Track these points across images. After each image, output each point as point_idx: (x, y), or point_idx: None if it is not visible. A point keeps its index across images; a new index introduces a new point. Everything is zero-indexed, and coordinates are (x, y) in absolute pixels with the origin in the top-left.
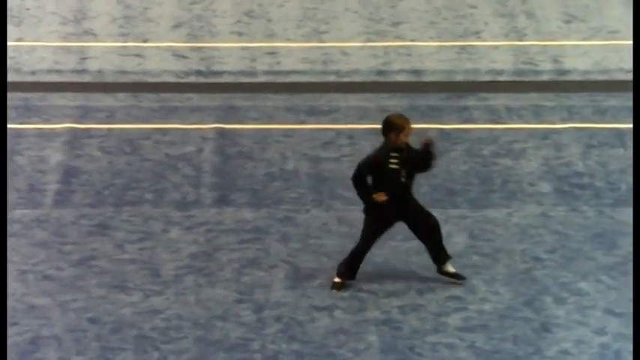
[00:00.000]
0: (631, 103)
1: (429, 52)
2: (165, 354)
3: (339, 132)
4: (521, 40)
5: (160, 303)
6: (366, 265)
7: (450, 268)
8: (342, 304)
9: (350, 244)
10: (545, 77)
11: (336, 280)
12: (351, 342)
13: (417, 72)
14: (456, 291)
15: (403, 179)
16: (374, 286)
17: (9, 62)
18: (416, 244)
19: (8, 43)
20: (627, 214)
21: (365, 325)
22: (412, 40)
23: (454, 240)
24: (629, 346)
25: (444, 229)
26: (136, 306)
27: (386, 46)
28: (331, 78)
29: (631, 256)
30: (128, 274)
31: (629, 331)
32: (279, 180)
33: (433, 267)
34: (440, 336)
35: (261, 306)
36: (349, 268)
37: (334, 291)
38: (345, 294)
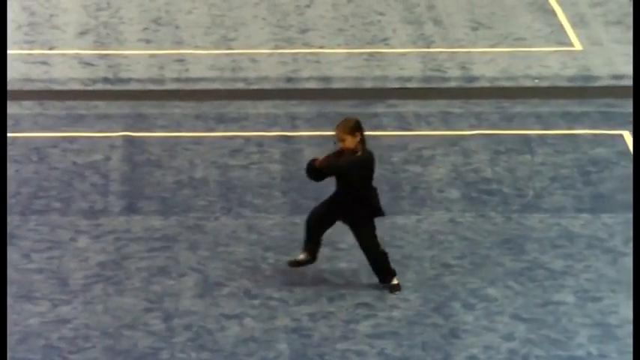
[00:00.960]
0: (537, 110)
1: (338, 59)
2: None
3: (247, 139)
4: (429, 47)
5: (67, 312)
6: (275, 274)
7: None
8: (252, 312)
9: (259, 251)
10: (453, 84)
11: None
12: (261, 350)
13: (326, 79)
14: (366, 298)
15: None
16: (284, 293)
17: None
18: (327, 251)
19: None
20: (534, 219)
21: (275, 333)
22: (321, 47)
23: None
24: (537, 351)
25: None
26: (44, 316)
27: (294, 53)
28: (240, 85)
29: (538, 261)
30: (35, 284)
31: (537, 336)
32: (188, 188)
33: (341, 274)
34: (350, 343)
35: (170, 315)
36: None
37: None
38: (255, 302)
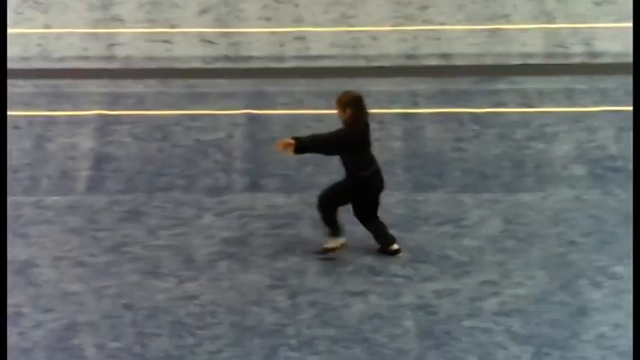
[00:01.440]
0: None
1: (458, 35)
2: (201, 340)
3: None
4: (550, 23)
5: (194, 289)
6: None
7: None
8: (376, 289)
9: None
10: (576, 60)
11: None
12: (386, 327)
13: (446, 56)
14: (491, 275)
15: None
16: (408, 270)
17: (37, 49)
18: (450, 228)
19: (35, 30)
20: None
21: (400, 310)
22: (441, 24)
23: (488, 224)
24: None
25: (478, 213)
26: (171, 292)
27: (415, 30)
28: (360, 62)
29: None
30: (162, 260)
31: None
32: (311, 165)
33: (465, 251)
34: (476, 320)
35: (295, 291)
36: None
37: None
38: (380, 279)
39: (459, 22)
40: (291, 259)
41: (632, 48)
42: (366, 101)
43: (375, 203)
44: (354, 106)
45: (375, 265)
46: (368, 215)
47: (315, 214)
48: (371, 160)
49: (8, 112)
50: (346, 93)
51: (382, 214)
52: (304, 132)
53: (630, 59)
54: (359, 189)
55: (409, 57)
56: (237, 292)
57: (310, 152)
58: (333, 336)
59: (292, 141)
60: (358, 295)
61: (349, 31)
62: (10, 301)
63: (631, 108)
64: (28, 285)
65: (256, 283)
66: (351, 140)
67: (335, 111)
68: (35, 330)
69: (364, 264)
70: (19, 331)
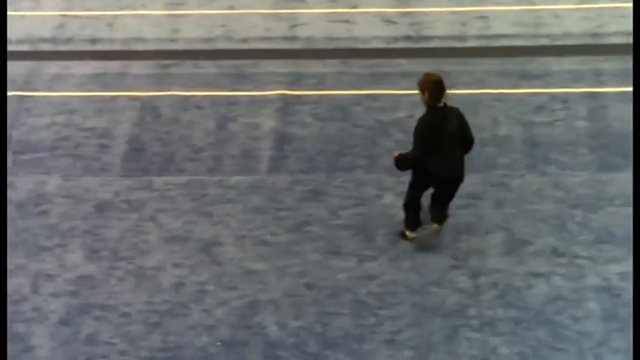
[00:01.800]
0: None
1: None
2: (382, 319)
3: (552, 96)
4: None
5: (374, 268)
6: (582, 231)
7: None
8: (559, 270)
9: (566, 209)
10: None
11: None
12: (570, 309)
13: (632, 34)
14: None
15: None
16: (592, 252)
17: (220, 30)
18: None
19: (219, 12)
20: None
21: (584, 292)
22: (626, 2)
23: None
24: None
25: None
26: (351, 271)
27: (599, 8)
28: (543, 41)
29: None
30: (343, 240)
31: None
32: (492, 145)
33: None
34: None
35: (476, 272)
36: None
37: None
38: (562, 260)
39: None
40: (472, 240)
41: None
42: (548, 80)
43: (446, 194)
44: (428, 88)
45: (557, 246)
46: (435, 200)
47: (497, 194)
48: (443, 154)
49: (193, 93)
50: (426, 75)
51: (567, 194)
52: (485, 112)
53: None
54: (428, 178)
55: (593, 35)
56: (418, 273)
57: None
58: (515, 317)
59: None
60: (541, 277)
61: (532, 10)
62: (194, 278)
63: None
64: (212, 263)
65: (437, 263)
66: (428, 141)
67: None
68: (219, 307)
69: (547, 245)
70: (203, 308)
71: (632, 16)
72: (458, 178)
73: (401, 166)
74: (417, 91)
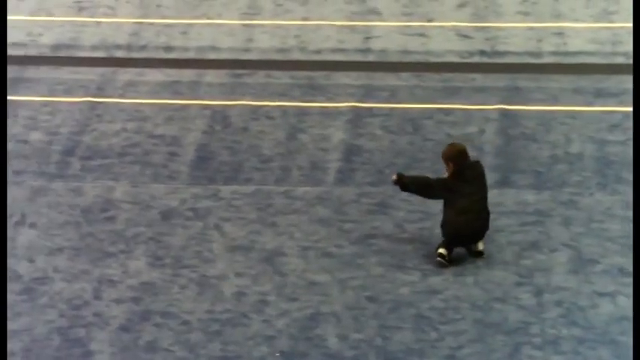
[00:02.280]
0: None
1: None
2: (443, 334)
3: (626, 115)
4: None
5: (438, 283)
6: None
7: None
8: (626, 290)
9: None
10: None
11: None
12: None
13: None
14: None
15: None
16: None
17: (294, 41)
18: None
19: (294, 22)
20: None
21: None
22: None
23: None
24: None
25: None
26: (414, 285)
27: None
28: (620, 59)
29: None
30: (407, 254)
31: None
32: (563, 162)
33: None
34: None
35: (541, 289)
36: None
37: None
38: (629, 280)
39: None
40: (538, 257)
41: None
42: (624, 99)
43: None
44: (456, 160)
45: (625, 266)
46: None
47: (566, 211)
48: (462, 210)
49: (265, 103)
50: (451, 145)
51: (626, 212)
52: (558, 129)
53: None
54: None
55: None
56: (482, 289)
57: (410, 191)
58: (579, 336)
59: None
60: (606, 296)
61: (609, 27)
62: (256, 288)
63: None
64: (275, 273)
65: (502, 279)
66: (436, 193)
67: None
68: (280, 318)
69: (614, 264)
70: (264, 318)
71: None
72: (472, 238)
73: (407, 184)
74: (489, 107)
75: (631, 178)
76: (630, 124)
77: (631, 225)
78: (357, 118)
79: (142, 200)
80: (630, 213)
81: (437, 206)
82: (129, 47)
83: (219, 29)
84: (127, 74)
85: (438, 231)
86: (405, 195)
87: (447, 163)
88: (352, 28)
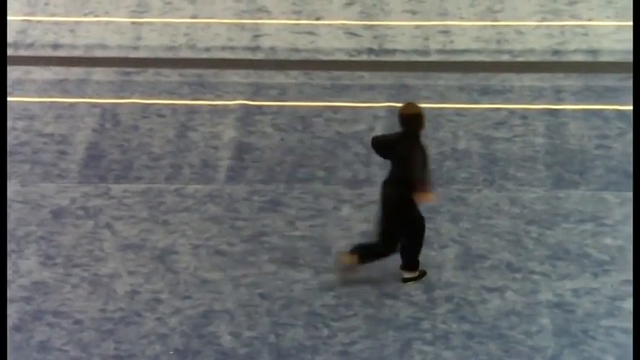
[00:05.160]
0: None
1: (607, 31)
2: (335, 331)
3: (512, 112)
4: None
5: (330, 280)
6: (537, 247)
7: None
8: (514, 285)
9: (522, 225)
10: None
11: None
12: (523, 324)
13: (594, 52)
14: (631, 275)
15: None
16: (546, 267)
17: (184, 39)
18: (591, 226)
19: (183, 20)
20: None
21: (537, 308)
22: (589, 20)
23: (631, 223)
24: None
25: (620, 212)
26: (307, 283)
27: (562, 26)
28: (505, 57)
29: None
30: (299, 251)
31: None
32: (451, 159)
33: (606, 250)
34: (615, 320)
35: (431, 285)
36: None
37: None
38: (517, 275)
39: (608, 18)
40: (428, 253)
41: None
42: (509, 96)
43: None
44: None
45: (512, 262)
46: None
47: (454, 208)
48: (391, 174)
49: (154, 101)
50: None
51: (523, 210)
52: (445, 127)
53: None
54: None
55: (555, 52)
56: (373, 285)
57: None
58: (468, 331)
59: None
60: (495, 291)
61: (495, 26)
62: (148, 287)
63: None
64: (167, 272)
65: (392, 276)
66: (374, 144)
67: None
68: (173, 316)
69: (502, 260)
70: (157, 316)
71: (593, 33)
72: (384, 207)
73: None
74: (378, 104)
75: (517, 174)
76: (515, 121)
77: (517, 220)
78: (246, 115)
79: (32, 199)
80: (516, 209)
81: (329, 203)
82: (16, 45)
83: (108, 27)
84: (14, 72)
85: (330, 227)
86: (296, 192)
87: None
88: (241, 26)
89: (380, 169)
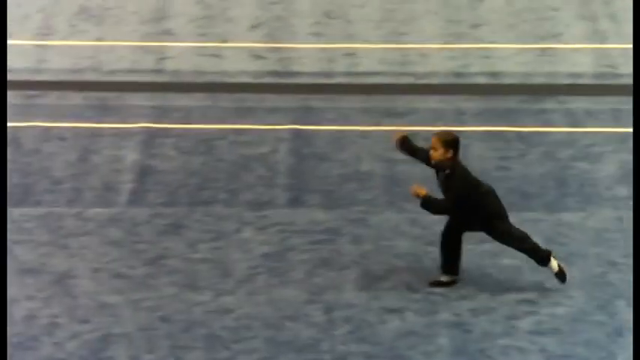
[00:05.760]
0: None
1: (509, 54)
2: (235, 353)
3: (415, 134)
4: (602, 43)
5: (230, 302)
6: (437, 268)
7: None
8: (413, 306)
9: (422, 246)
10: (625, 80)
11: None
12: (421, 344)
13: (495, 74)
14: (529, 294)
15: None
16: (446, 288)
17: (89, 62)
18: (490, 246)
19: (88, 43)
20: None
21: (436, 328)
22: (491, 43)
23: None
24: None
25: None
26: (207, 305)
27: (465, 49)
28: (409, 80)
29: None
30: (200, 274)
31: None
32: (354, 181)
33: (504, 270)
34: (511, 339)
35: (331, 307)
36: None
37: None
38: (417, 296)
39: (509, 42)
40: (328, 275)
41: None
42: (412, 118)
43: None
44: (456, 148)
45: (411, 282)
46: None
47: (356, 229)
48: None
49: (57, 124)
50: (450, 132)
51: (423, 231)
52: (348, 148)
53: None
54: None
55: (458, 75)
56: (274, 307)
57: (430, 212)
58: (367, 352)
59: (423, 192)
60: (394, 312)
61: (399, 49)
62: (46, 311)
63: None
64: (66, 296)
65: (293, 297)
66: (467, 183)
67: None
68: (70, 341)
69: (402, 281)
70: (55, 341)
71: (495, 56)
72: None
73: (430, 206)
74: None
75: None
76: (418, 143)
77: (417, 242)
78: (150, 138)
79: None
80: (417, 230)
81: (231, 225)
82: None
83: (11, 50)
84: None
85: (231, 250)
86: (198, 215)
87: (447, 149)
88: (146, 49)
89: (282, 191)
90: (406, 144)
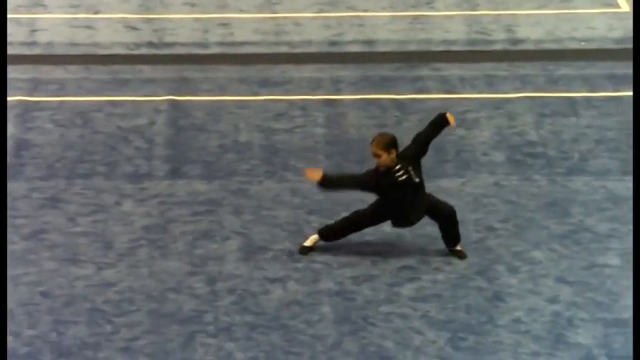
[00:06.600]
0: (583, 72)
1: (382, 22)
2: (118, 327)
3: (292, 103)
4: (474, 10)
5: (112, 276)
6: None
7: (458, 247)
8: (295, 275)
9: (303, 215)
10: (498, 47)
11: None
12: (304, 313)
13: (370, 42)
14: (410, 261)
15: (417, 179)
16: (328, 257)
17: None
18: None
19: None
20: (579, 182)
21: (318, 296)
22: (365, 11)
23: None
24: (582, 314)
25: None
26: (89, 279)
27: (339, 17)
28: (284, 49)
29: (583, 224)
30: (80, 247)
31: (581, 299)
32: (232, 152)
33: (385, 237)
34: (393, 306)
35: (214, 278)
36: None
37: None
38: (299, 265)
39: (383, 9)
40: (210, 246)
41: (553, 35)
42: (288, 88)
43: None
44: (396, 145)
45: (294, 251)
46: None
47: (236, 200)
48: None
49: None
50: (384, 135)
51: (304, 200)
52: (226, 119)
53: (551, 46)
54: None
55: (332, 43)
56: (156, 279)
57: (333, 188)
58: (251, 322)
59: (319, 173)
60: (277, 282)
61: (273, 18)
62: None
63: (550, 94)
64: None
65: (175, 269)
66: (373, 186)
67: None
68: None
69: (284, 249)
70: None
71: (369, 24)
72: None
73: (332, 182)
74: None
75: (297, 165)
76: (295, 112)
77: (298, 211)
78: (25, 112)
79: None
80: (297, 199)
81: (111, 198)
82: None
83: None
84: None
85: (112, 223)
86: (77, 188)
87: (389, 151)
88: (17, 21)
89: (161, 162)
90: (331, 181)
